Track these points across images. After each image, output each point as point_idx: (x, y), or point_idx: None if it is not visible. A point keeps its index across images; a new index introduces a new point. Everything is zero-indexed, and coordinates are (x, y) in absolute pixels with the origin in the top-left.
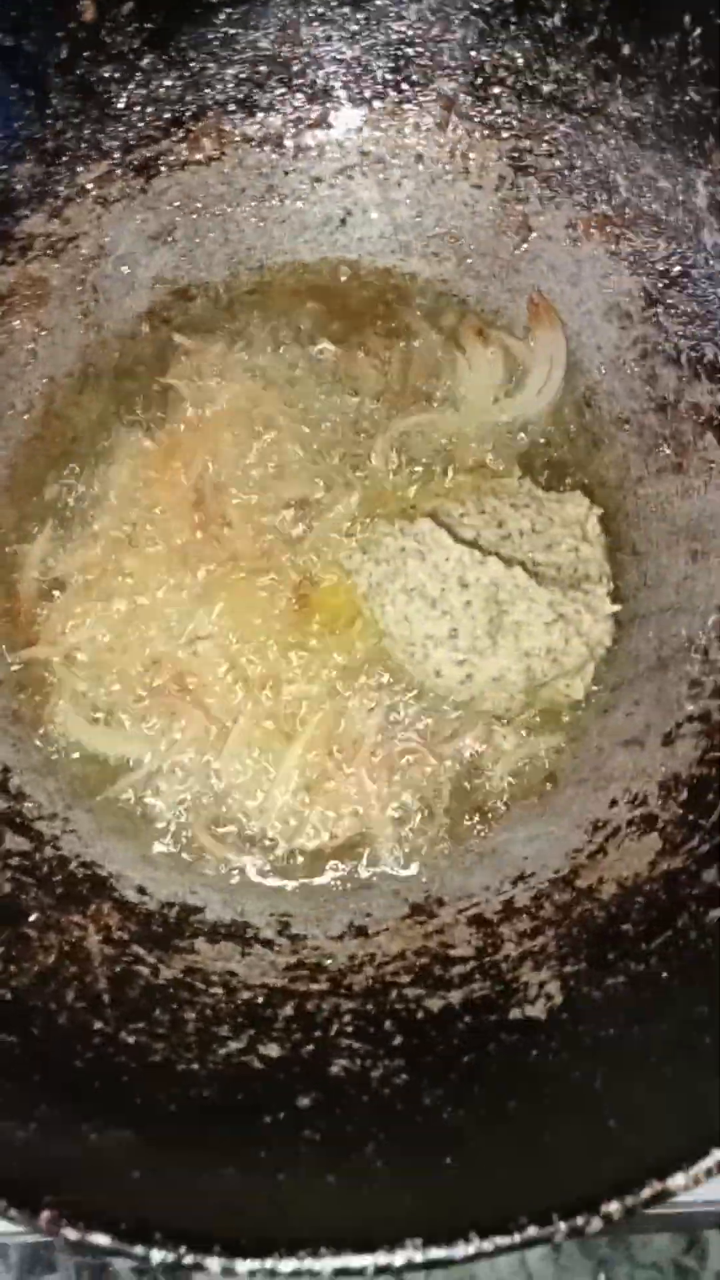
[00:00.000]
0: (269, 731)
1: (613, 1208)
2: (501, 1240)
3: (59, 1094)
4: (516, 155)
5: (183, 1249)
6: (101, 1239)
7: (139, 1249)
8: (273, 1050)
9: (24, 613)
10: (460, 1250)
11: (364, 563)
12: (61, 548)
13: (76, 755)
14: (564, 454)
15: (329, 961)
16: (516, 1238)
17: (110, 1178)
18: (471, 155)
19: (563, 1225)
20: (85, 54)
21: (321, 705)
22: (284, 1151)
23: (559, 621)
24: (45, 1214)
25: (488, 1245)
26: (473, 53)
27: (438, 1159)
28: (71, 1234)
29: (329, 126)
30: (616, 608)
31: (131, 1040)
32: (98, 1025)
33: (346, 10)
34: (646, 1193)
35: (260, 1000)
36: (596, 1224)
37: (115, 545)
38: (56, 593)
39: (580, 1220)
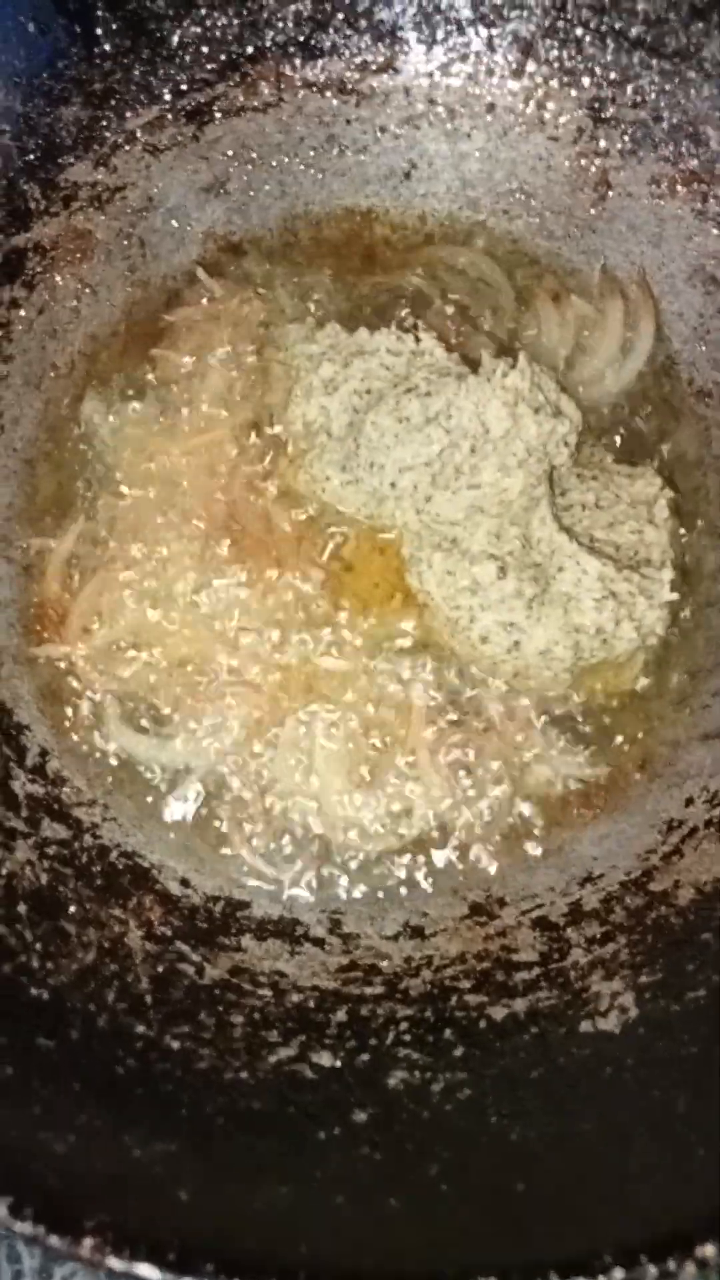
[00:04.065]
0: (318, 724)
1: (709, 1250)
2: None
3: (99, 1103)
4: (597, 105)
5: None
6: (149, 1271)
7: None
8: (325, 1059)
9: (50, 604)
10: None
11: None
12: (89, 532)
13: (116, 749)
14: (639, 425)
15: (384, 963)
16: None
17: (156, 1196)
18: (548, 105)
19: (653, 1268)
20: None
21: (368, 693)
22: (341, 1170)
23: (609, 600)
24: (88, 1240)
25: None
26: None
27: (508, 1184)
28: (116, 1264)
29: (396, 72)
30: (674, 596)
31: (176, 1045)
32: (140, 1029)
33: None
34: None
35: (311, 1004)
36: (690, 1270)
37: (131, 532)
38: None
39: (672, 1263)
